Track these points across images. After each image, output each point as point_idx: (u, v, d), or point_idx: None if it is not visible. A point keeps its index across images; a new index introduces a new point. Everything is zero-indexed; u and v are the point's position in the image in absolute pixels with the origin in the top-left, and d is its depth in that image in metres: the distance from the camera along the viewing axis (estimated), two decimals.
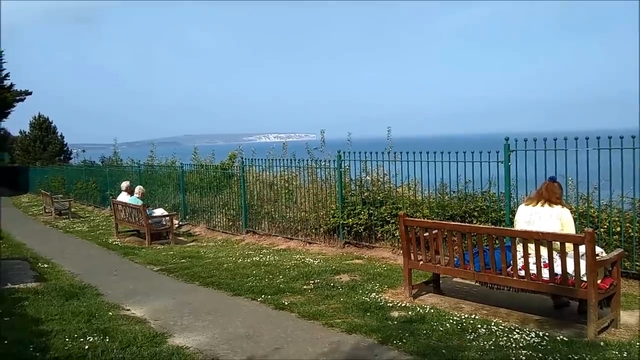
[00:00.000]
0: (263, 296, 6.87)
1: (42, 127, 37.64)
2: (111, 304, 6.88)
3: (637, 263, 6.67)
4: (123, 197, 13.57)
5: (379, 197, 9.48)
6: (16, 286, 7.86)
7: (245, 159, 12.74)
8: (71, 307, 6.63)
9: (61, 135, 38.65)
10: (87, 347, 5.12)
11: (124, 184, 14.05)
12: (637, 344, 4.85)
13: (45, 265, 9.64)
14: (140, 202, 12.74)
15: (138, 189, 13.47)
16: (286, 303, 6.50)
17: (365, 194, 9.78)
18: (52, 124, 38.38)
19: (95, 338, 5.37)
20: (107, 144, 24.57)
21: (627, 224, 6.76)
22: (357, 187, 10.06)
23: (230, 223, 13.05)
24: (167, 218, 12.67)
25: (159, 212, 13.16)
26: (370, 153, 9.63)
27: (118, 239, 12.90)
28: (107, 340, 5.33)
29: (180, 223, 14.30)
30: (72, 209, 18.89)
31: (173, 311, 6.50)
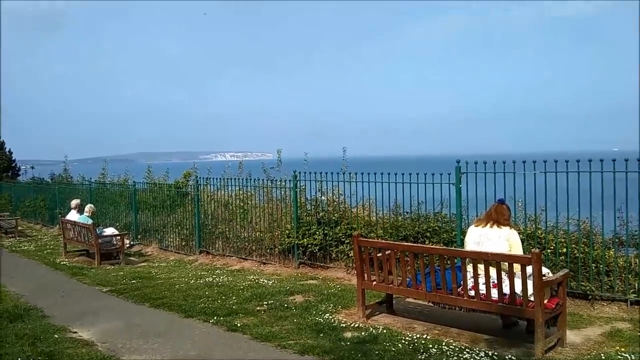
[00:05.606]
0: (215, 318, 6.77)
1: None
2: (57, 326, 6.66)
3: (583, 283, 6.88)
4: (72, 215, 13.23)
5: (334, 217, 9.51)
6: None
7: (200, 178, 12.60)
8: (15, 330, 6.41)
9: (9, 151, 37.38)
10: None
11: (74, 202, 13.69)
12: None
13: None
14: (90, 221, 12.41)
15: (88, 207, 13.13)
16: (239, 325, 6.42)
17: (321, 214, 9.79)
18: (0, 140, 37.09)
19: None
20: (58, 161, 23.84)
21: (573, 245, 6.99)
22: (313, 207, 10.07)
23: (184, 243, 12.84)
24: (118, 237, 12.39)
25: (109, 231, 12.84)
26: (326, 173, 9.67)
27: (66, 259, 12.53)
28: None
29: (132, 243, 14.01)
30: (19, 228, 18.22)
31: (122, 333, 6.33)
